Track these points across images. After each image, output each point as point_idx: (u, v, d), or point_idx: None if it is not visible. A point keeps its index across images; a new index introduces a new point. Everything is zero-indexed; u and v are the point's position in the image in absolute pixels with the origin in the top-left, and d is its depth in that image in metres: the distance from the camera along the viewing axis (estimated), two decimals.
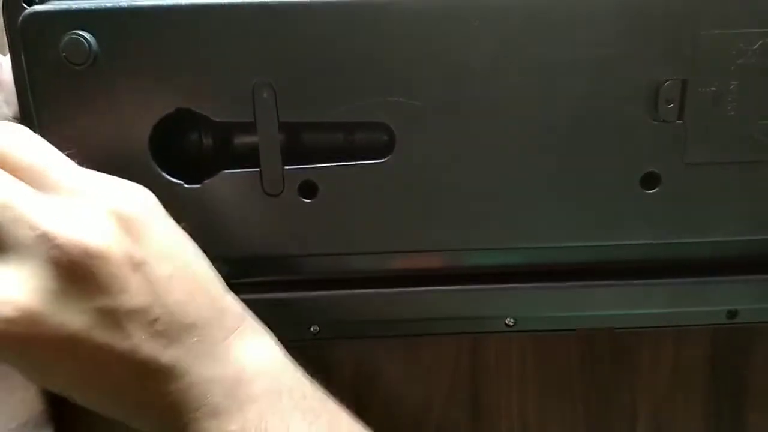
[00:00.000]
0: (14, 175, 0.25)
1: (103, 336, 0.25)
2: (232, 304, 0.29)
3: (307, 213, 0.34)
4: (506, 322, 0.37)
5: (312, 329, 0.36)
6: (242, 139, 0.34)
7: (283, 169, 0.33)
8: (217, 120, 0.33)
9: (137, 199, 0.27)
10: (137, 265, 0.25)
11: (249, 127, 0.33)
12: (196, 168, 0.33)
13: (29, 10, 0.31)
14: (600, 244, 0.35)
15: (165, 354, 0.26)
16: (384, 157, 0.33)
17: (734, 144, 0.33)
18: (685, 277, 0.36)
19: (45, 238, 0.23)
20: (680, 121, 0.33)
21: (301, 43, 0.32)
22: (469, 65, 0.32)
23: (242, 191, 0.33)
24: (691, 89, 0.33)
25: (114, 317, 0.25)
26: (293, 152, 0.34)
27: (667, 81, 0.32)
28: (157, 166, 0.32)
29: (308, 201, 0.34)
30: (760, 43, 0.32)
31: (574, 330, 0.37)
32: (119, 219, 0.25)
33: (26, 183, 0.25)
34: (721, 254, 0.36)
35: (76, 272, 0.24)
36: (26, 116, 0.32)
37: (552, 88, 0.33)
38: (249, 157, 0.33)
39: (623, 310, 0.37)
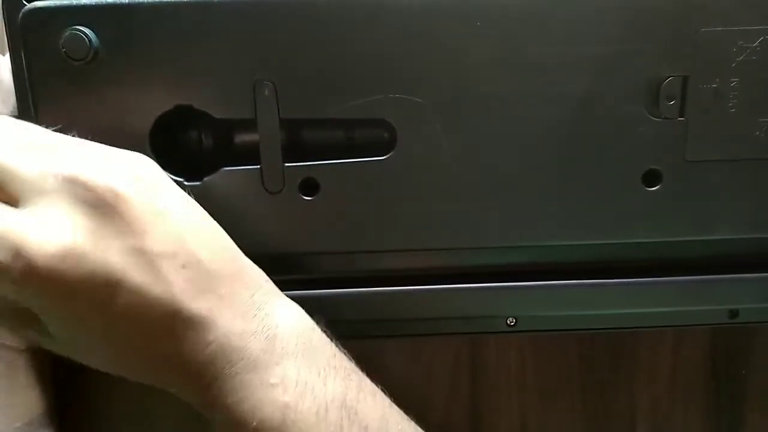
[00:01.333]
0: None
1: (139, 277, 0.25)
2: (250, 263, 0.29)
3: (307, 210, 0.34)
4: (507, 321, 0.37)
5: None
6: (243, 136, 0.34)
7: (284, 166, 0.33)
8: (218, 117, 0.32)
9: (152, 167, 0.27)
10: (159, 213, 0.26)
11: (249, 124, 0.33)
12: (196, 165, 0.33)
13: (29, 6, 0.31)
14: (602, 243, 0.35)
15: (199, 302, 0.26)
16: (385, 155, 0.33)
17: (735, 141, 0.33)
18: (687, 276, 0.36)
19: (73, 180, 0.24)
20: (681, 119, 0.33)
21: (303, 39, 0.32)
22: (470, 62, 0.32)
23: (243, 188, 0.33)
24: (692, 86, 0.33)
25: (146, 258, 0.25)
26: (294, 149, 0.34)
27: (668, 78, 0.33)
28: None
29: (309, 198, 0.34)
30: (760, 40, 0.32)
31: (575, 330, 0.37)
32: (139, 178, 0.26)
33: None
34: (723, 253, 0.36)
35: (106, 211, 0.24)
36: (26, 112, 0.32)
37: (553, 85, 0.33)
38: (249, 155, 0.33)
39: (625, 309, 0.36)
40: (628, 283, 0.36)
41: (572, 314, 0.37)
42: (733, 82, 0.33)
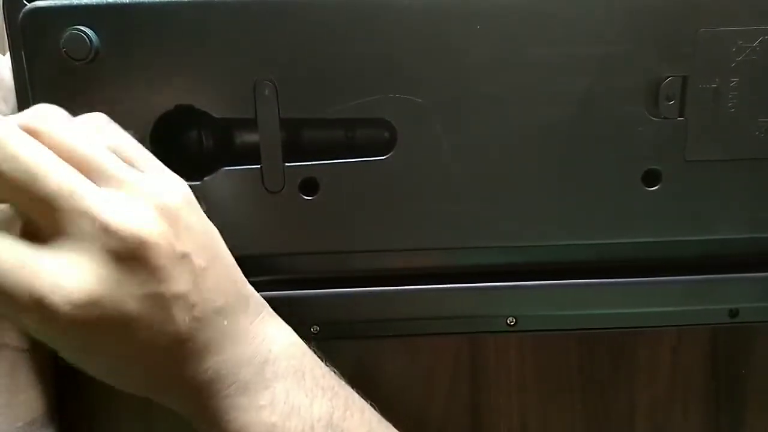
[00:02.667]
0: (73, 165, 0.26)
1: (153, 319, 0.26)
2: (253, 292, 0.31)
3: (308, 210, 0.34)
4: (507, 321, 0.37)
5: (312, 329, 0.36)
6: (243, 136, 0.34)
7: (284, 166, 0.33)
8: (218, 117, 0.32)
9: (179, 191, 0.28)
10: (180, 256, 0.27)
11: (250, 124, 0.33)
12: (196, 165, 0.33)
13: (30, 6, 0.31)
14: (602, 243, 0.35)
15: (202, 335, 0.28)
16: (385, 155, 0.33)
17: (735, 141, 0.33)
18: (687, 275, 0.36)
19: (105, 229, 0.25)
20: (681, 118, 0.33)
21: (303, 39, 0.32)
22: (470, 62, 0.32)
23: (243, 188, 0.33)
24: (692, 86, 0.33)
25: (162, 302, 0.26)
26: (294, 149, 0.34)
27: (667, 78, 0.33)
28: None
29: (309, 198, 0.34)
30: (760, 40, 0.32)
31: (575, 330, 0.37)
32: (165, 212, 0.27)
33: (84, 173, 0.26)
34: (723, 252, 0.36)
35: (132, 261, 0.25)
36: None
37: (553, 85, 0.33)
38: (250, 154, 0.33)
39: (625, 309, 0.37)
40: (628, 282, 0.36)
41: (572, 314, 0.37)
42: (733, 81, 0.33)
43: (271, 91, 0.32)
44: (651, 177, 0.34)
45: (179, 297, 0.27)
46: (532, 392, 0.42)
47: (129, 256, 0.25)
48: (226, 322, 0.29)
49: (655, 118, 0.33)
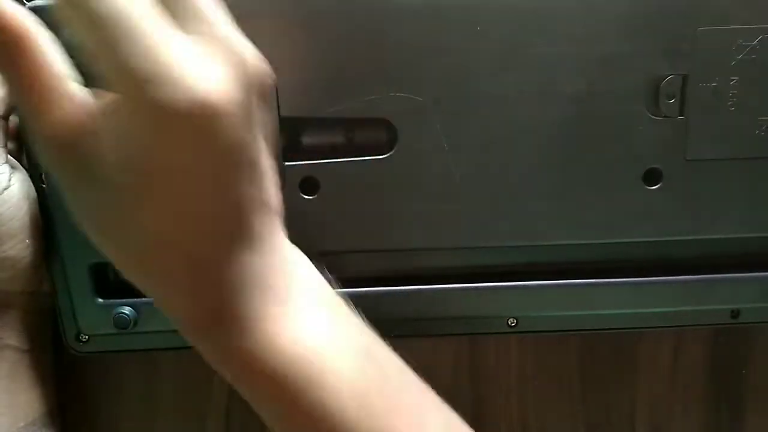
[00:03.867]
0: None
1: (247, 163, 0.24)
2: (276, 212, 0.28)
3: (308, 210, 0.34)
4: (508, 322, 0.37)
5: None
6: None
7: (284, 165, 0.33)
8: None
9: (272, 76, 0.26)
10: (256, 123, 0.24)
11: None
12: None
13: (29, 4, 0.31)
14: (603, 242, 0.35)
15: (250, 222, 0.25)
16: (385, 154, 0.33)
17: (736, 140, 0.33)
18: (689, 275, 0.36)
19: (234, 50, 0.23)
20: (681, 117, 0.33)
21: (303, 38, 0.32)
22: (471, 61, 0.32)
23: None
24: (692, 85, 0.33)
25: (241, 152, 0.23)
26: (294, 149, 0.34)
27: (667, 77, 0.33)
28: None
29: (309, 198, 0.34)
30: (759, 38, 0.32)
31: (577, 331, 0.37)
32: (261, 94, 0.25)
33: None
34: (725, 252, 0.36)
35: (254, 88, 0.24)
36: None
37: (553, 85, 0.33)
38: None
39: (627, 309, 0.36)
40: (630, 282, 0.36)
41: (574, 314, 0.37)
42: (733, 80, 0.33)
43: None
44: (652, 176, 0.34)
45: (251, 164, 0.24)
46: (531, 392, 0.42)
47: (252, 81, 0.23)
48: (266, 219, 0.25)
49: (655, 117, 0.33)
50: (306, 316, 0.26)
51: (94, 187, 0.24)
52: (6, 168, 0.32)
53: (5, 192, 0.31)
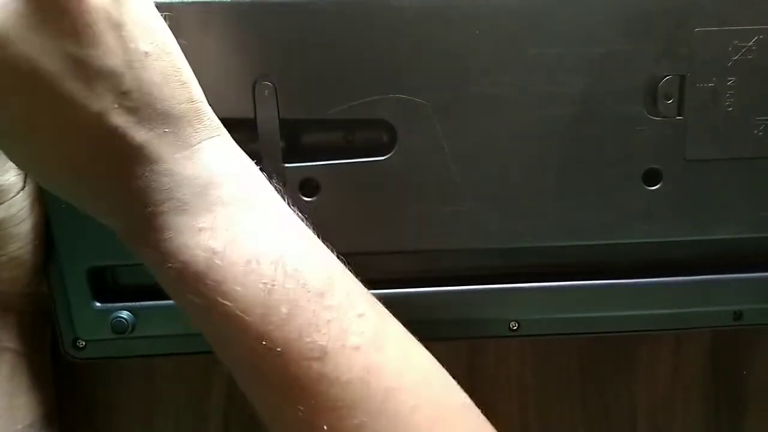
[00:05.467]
0: None
1: (72, 87, 0.23)
2: (211, 112, 0.28)
3: (308, 211, 0.33)
4: (510, 326, 0.36)
5: None
6: (243, 137, 0.34)
7: (284, 167, 0.33)
8: (218, 117, 0.32)
9: None
10: (114, 26, 0.24)
11: (249, 125, 0.32)
12: None
13: None
14: (603, 243, 0.35)
15: (134, 131, 0.25)
16: (385, 155, 0.33)
17: (734, 140, 0.33)
18: (691, 276, 0.36)
19: None
20: (680, 117, 0.33)
21: (303, 40, 0.32)
22: (470, 62, 0.32)
23: None
24: (690, 85, 0.33)
25: (84, 71, 0.23)
26: (294, 150, 0.33)
27: (665, 77, 0.33)
28: None
29: (309, 199, 0.33)
30: (755, 39, 0.32)
31: (580, 334, 0.37)
32: None
33: None
34: (725, 252, 0.36)
35: (56, 9, 0.23)
36: None
37: (552, 86, 0.33)
38: (249, 155, 0.33)
39: (631, 311, 0.36)
40: (634, 284, 0.36)
41: (576, 317, 0.36)
42: (730, 81, 0.33)
43: (271, 92, 0.32)
44: (652, 176, 0.34)
45: (106, 72, 0.24)
46: (531, 394, 0.42)
47: (53, 3, 0.22)
48: (167, 129, 0.25)
49: (654, 118, 0.33)
50: (206, 221, 0.26)
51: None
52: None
53: (19, 194, 0.31)
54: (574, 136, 0.33)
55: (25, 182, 0.31)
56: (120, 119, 0.24)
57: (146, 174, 0.25)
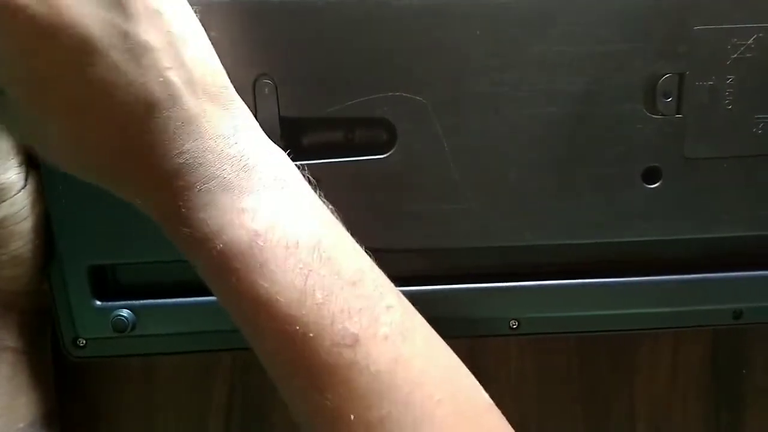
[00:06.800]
0: None
1: (120, 58, 0.24)
2: (241, 101, 0.28)
3: None
4: (510, 324, 0.36)
5: None
6: None
7: None
8: None
9: None
10: (153, 12, 0.25)
11: None
12: None
13: None
14: (603, 241, 0.35)
15: (181, 104, 0.25)
16: (384, 154, 0.33)
17: (733, 138, 0.34)
18: (691, 275, 0.36)
19: None
20: (679, 116, 0.33)
21: (303, 38, 0.32)
22: (469, 61, 0.33)
23: None
24: (689, 83, 0.33)
25: (130, 43, 0.24)
26: (294, 148, 0.33)
27: (664, 75, 0.33)
28: None
29: None
30: (754, 37, 0.33)
31: (580, 332, 0.37)
32: None
33: None
34: (725, 250, 0.36)
35: None
36: None
37: (551, 84, 0.33)
38: None
39: (630, 309, 0.36)
40: (634, 282, 0.36)
41: (576, 315, 0.36)
42: (729, 79, 0.33)
43: (271, 90, 0.32)
44: (651, 175, 0.34)
45: (149, 46, 0.24)
46: (531, 394, 0.42)
47: None
48: (208, 108, 0.26)
49: (653, 116, 0.33)
50: (249, 202, 0.26)
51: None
52: (23, 169, 0.32)
53: (20, 192, 0.31)
54: (573, 135, 0.33)
55: (26, 181, 0.32)
56: (168, 91, 0.25)
57: (190, 150, 0.25)
